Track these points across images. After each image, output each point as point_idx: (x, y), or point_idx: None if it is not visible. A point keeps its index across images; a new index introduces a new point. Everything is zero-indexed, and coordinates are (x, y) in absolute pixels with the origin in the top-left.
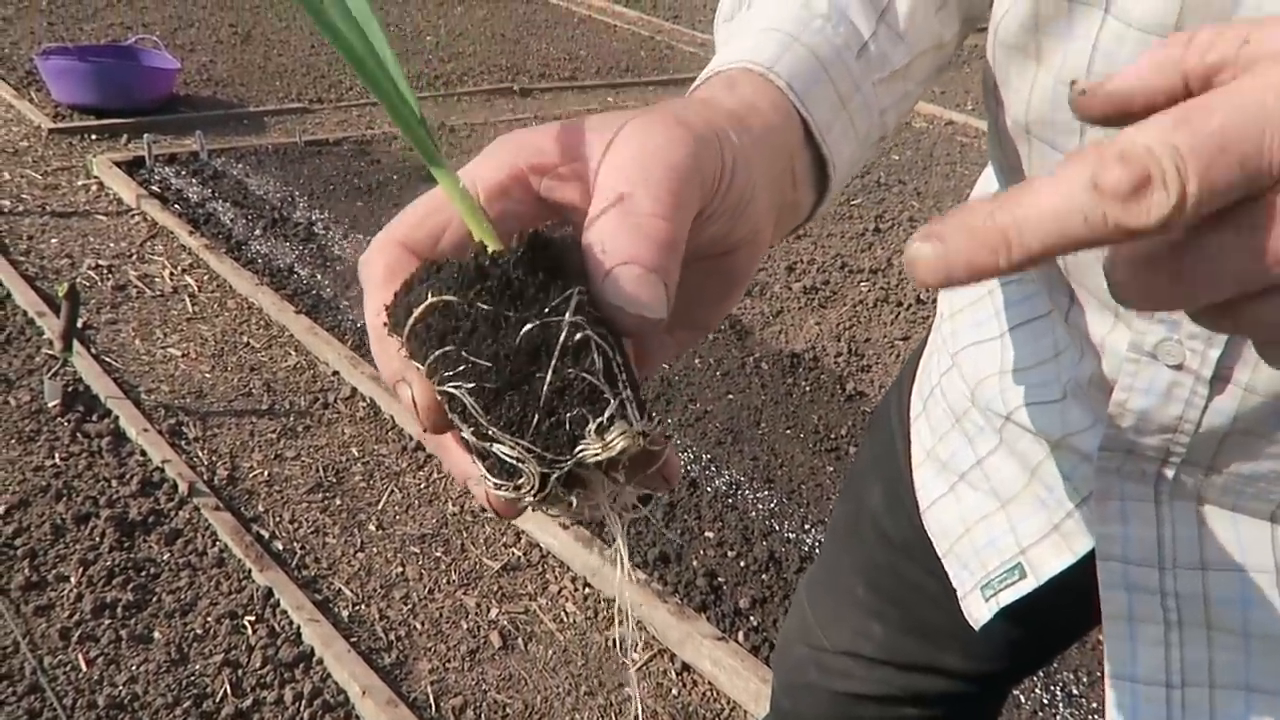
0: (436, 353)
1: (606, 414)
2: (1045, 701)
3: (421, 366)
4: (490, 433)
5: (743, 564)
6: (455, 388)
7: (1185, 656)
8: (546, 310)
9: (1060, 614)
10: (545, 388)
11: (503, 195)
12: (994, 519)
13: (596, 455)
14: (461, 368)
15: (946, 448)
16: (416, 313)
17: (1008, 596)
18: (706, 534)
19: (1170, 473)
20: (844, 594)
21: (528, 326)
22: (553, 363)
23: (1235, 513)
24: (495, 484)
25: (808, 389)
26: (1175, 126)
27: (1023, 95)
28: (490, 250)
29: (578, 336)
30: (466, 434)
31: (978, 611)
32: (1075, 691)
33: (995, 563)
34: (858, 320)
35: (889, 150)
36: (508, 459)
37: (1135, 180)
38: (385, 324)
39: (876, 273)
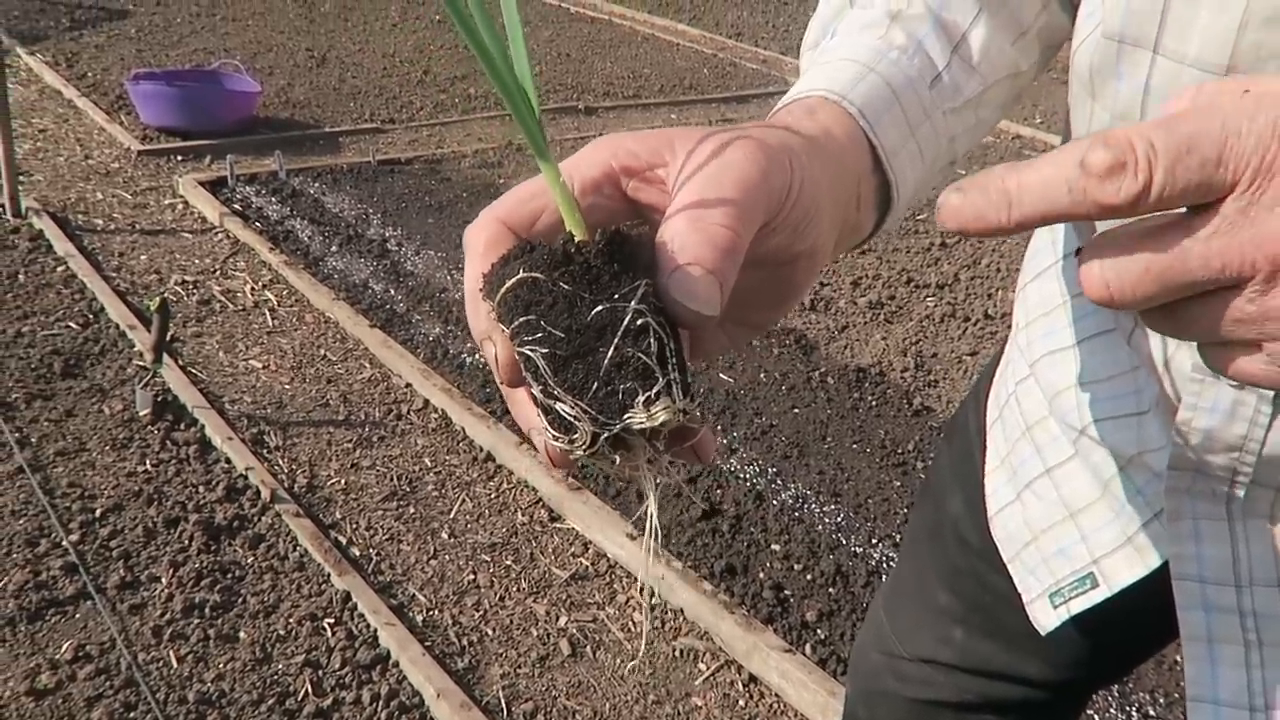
0: (520, 319)
1: (654, 390)
2: None
3: (506, 329)
4: (555, 392)
5: (809, 577)
6: (532, 350)
7: (1267, 678)
8: (616, 296)
9: (1138, 623)
10: (606, 361)
11: (595, 190)
12: (1063, 528)
13: (641, 424)
14: (539, 335)
15: (1017, 456)
16: (508, 284)
17: (1079, 605)
18: (773, 547)
19: (1240, 492)
20: (924, 601)
21: (598, 308)
22: (615, 341)
23: None
24: (554, 436)
25: (874, 404)
26: (1156, 127)
27: (1083, 130)
28: (577, 239)
29: (639, 322)
30: (535, 391)
31: (1045, 618)
32: (1152, 713)
33: (1066, 571)
34: (924, 335)
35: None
36: (567, 416)
37: (1112, 162)
38: (481, 290)
39: (943, 288)
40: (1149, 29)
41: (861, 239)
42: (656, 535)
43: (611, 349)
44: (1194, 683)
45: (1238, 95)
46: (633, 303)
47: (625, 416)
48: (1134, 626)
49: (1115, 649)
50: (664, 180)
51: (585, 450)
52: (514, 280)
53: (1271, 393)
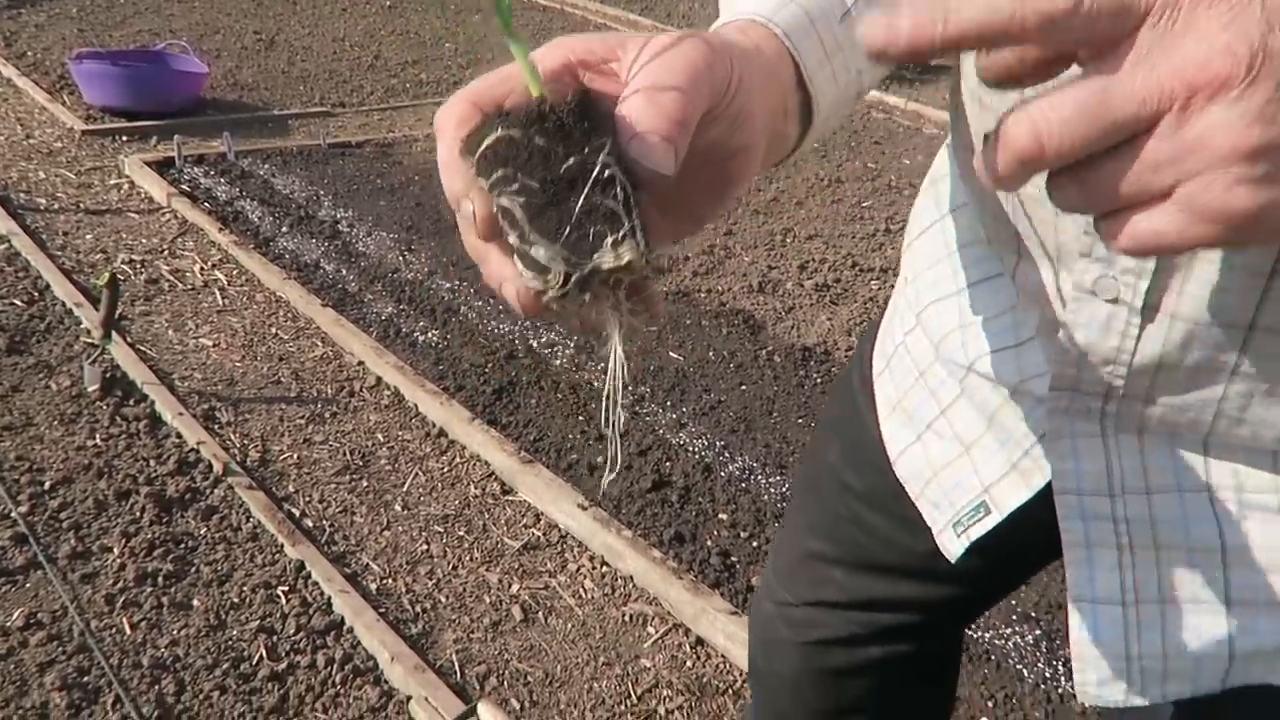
0: (499, 173)
1: (621, 232)
2: (1048, 675)
3: (485, 183)
4: (531, 238)
5: (755, 544)
6: (509, 200)
7: (1138, 577)
8: (586, 150)
9: (1018, 540)
10: (578, 208)
11: (554, 79)
12: (959, 463)
13: (609, 263)
14: (516, 186)
15: (911, 401)
16: (488, 141)
17: (976, 531)
18: (720, 516)
19: (1113, 408)
20: (804, 548)
21: (570, 160)
22: (585, 190)
23: (1173, 441)
24: (530, 277)
25: (819, 380)
26: None
27: (968, 64)
28: (550, 101)
29: (607, 173)
30: (512, 239)
31: (952, 546)
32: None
33: (963, 501)
34: (868, 317)
35: (900, 154)
36: (541, 260)
37: None
38: (460, 148)
39: (887, 271)
40: None
41: (787, 151)
42: (623, 367)
43: (582, 197)
44: (1074, 584)
45: None
46: (601, 156)
47: (595, 257)
48: (1013, 543)
49: (991, 568)
50: (617, 73)
51: (558, 290)
52: (494, 137)
53: (1140, 304)
